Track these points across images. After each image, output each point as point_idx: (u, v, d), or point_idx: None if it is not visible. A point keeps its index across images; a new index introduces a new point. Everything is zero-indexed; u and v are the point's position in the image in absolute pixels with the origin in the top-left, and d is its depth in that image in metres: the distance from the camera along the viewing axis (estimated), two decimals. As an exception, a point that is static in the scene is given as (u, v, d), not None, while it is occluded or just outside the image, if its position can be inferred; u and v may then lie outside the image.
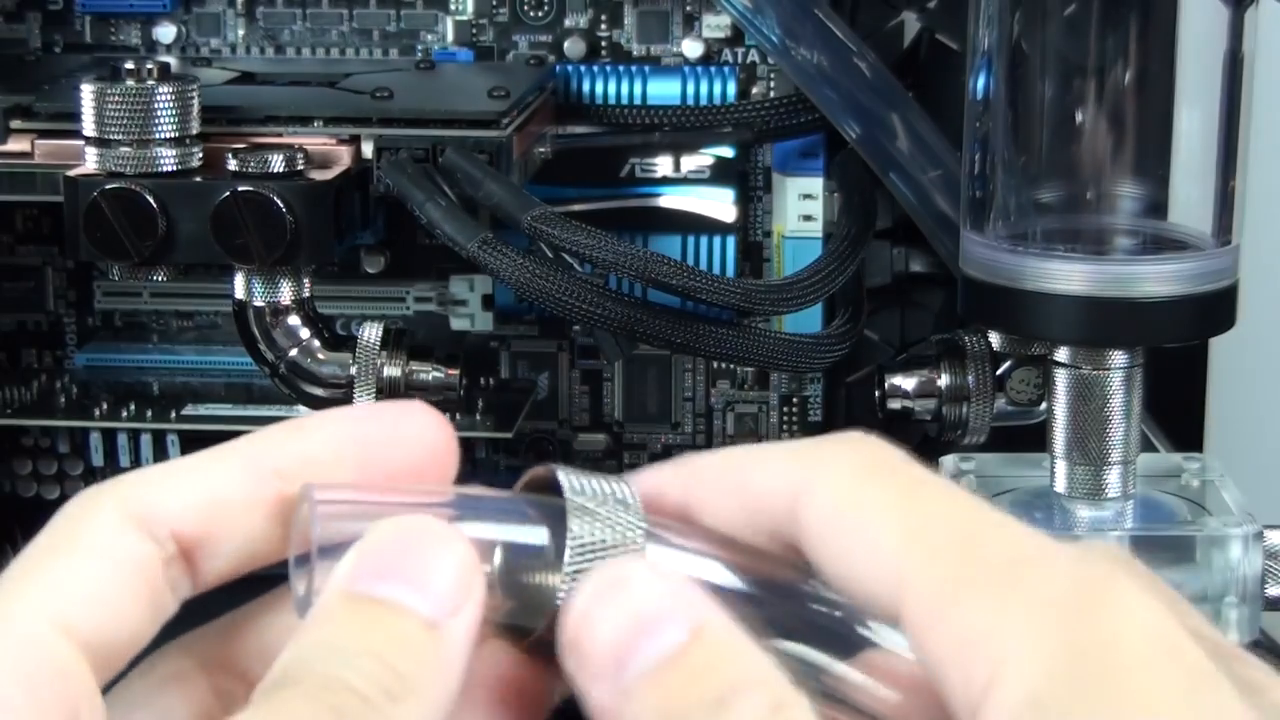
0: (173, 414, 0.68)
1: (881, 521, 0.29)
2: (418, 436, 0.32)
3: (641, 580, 0.30)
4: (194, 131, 0.57)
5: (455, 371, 0.61)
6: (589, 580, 0.30)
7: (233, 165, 0.57)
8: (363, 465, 0.32)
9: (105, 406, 0.68)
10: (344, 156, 0.59)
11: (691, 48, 0.70)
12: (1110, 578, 0.28)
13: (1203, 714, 0.26)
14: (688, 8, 0.70)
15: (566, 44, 0.70)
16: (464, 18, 0.70)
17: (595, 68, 0.69)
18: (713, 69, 0.69)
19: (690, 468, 0.32)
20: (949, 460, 0.59)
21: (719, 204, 0.69)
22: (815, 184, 0.70)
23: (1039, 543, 0.29)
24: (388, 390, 0.60)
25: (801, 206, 0.70)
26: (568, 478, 0.31)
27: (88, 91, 0.56)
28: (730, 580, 0.31)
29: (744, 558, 0.31)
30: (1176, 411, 0.66)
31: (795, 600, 0.31)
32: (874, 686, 0.30)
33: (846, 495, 0.30)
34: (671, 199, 0.69)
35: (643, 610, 0.29)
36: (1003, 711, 0.27)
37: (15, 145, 0.59)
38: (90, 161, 0.57)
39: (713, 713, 0.28)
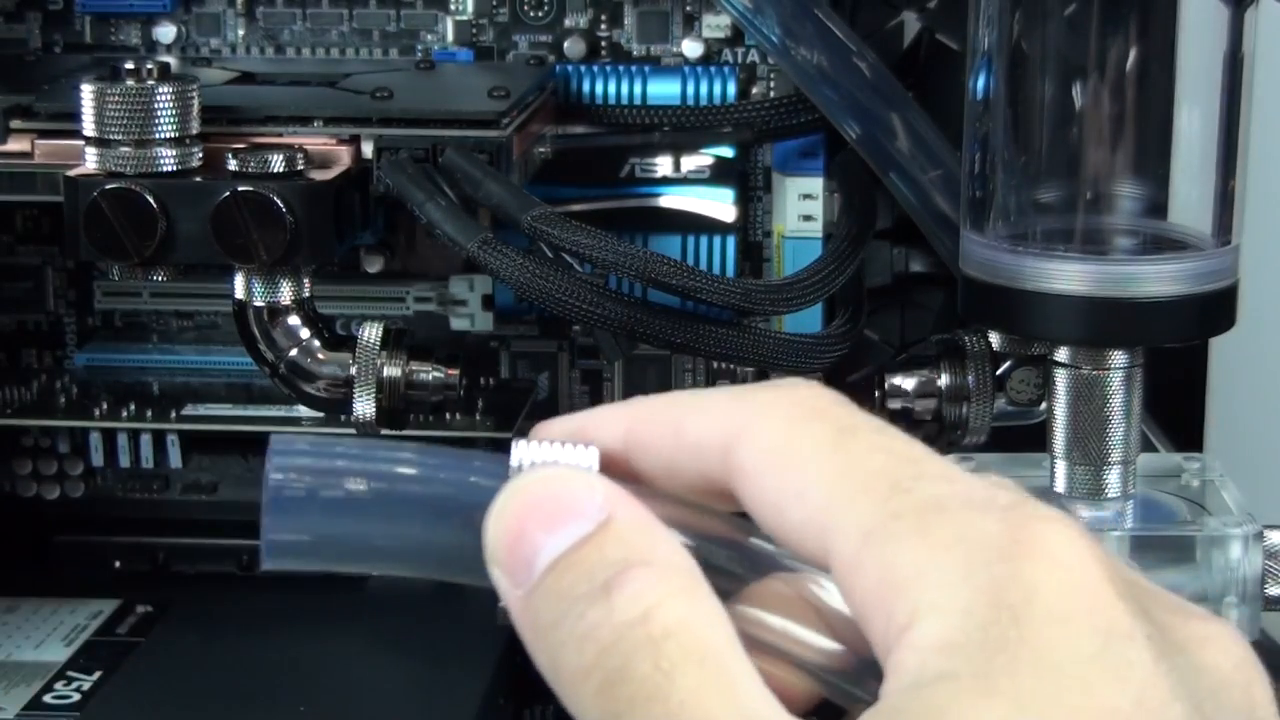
0: (173, 414, 0.68)
1: (811, 466, 0.29)
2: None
3: (548, 478, 0.30)
4: (194, 131, 0.57)
5: (455, 371, 0.61)
6: (505, 487, 0.30)
7: (233, 165, 0.57)
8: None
9: (105, 406, 0.68)
10: (344, 156, 0.59)
11: (691, 48, 0.70)
12: (1037, 524, 0.28)
13: (1110, 671, 0.26)
14: (688, 8, 0.70)
15: (566, 44, 0.70)
16: (464, 18, 0.70)
17: (595, 68, 0.69)
18: (712, 69, 0.69)
19: (633, 410, 0.32)
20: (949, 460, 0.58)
21: (719, 204, 0.69)
22: (815, 184, 0.70)
23: (969, 487, 0.29)
24: (387, 390, 0.60)
25: (801, 206, 0.70)
26: (524, 446, 0.31)
27: (88, 91, 0.56)
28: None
29: (684, 513, 0.31)
30: (1176, 411, 0.66)
31: (731, 551, 0.31)
32: (806, 635, 0.30)
33: (779, 440, 0.30)
34: (671, 199, 0.69)
35: (549, 506, 0.29)
36: (913, 652, 0.27)
37: (15, 145, 0.59)
38: (90, 161, 0.57)
39: (601, 593, 0.28)
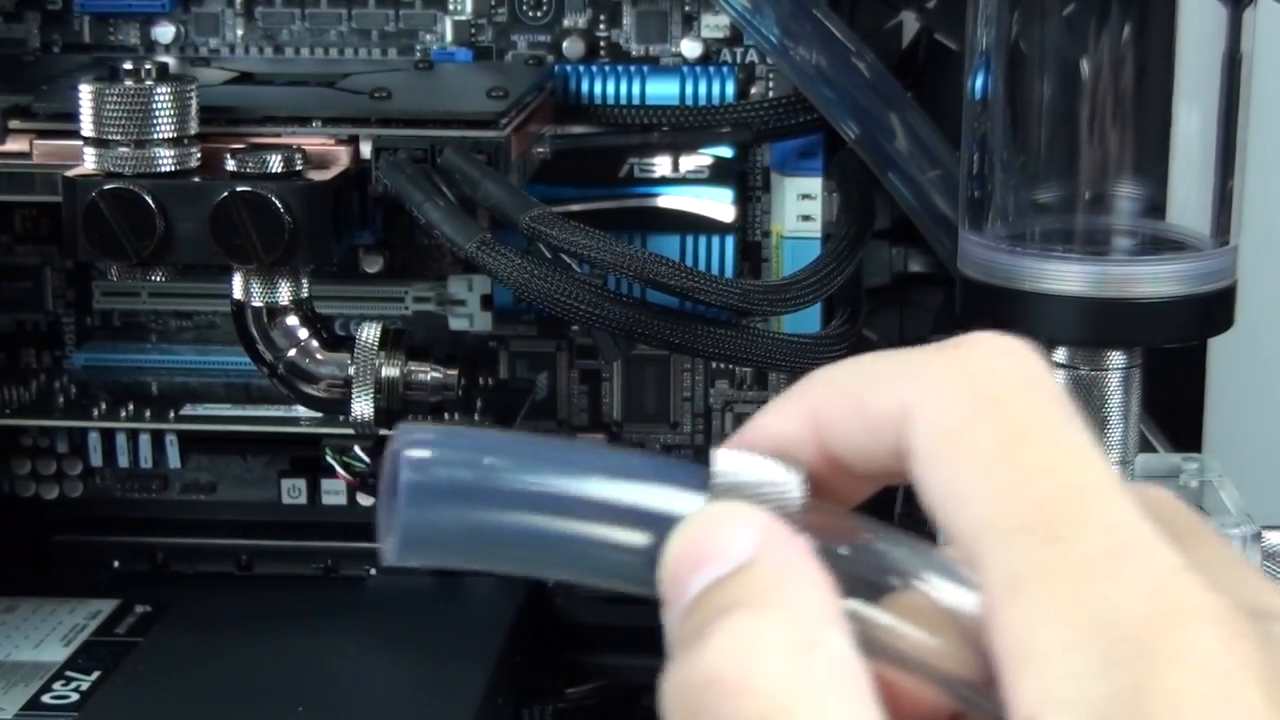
0: (171, 414, 0.68)
1: (975, 475, 0.27)
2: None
3: (708, 517, 0.29)
4: (192, 132, 0.57)
5: (454, 371, 0.61)
6: (678, 526, 0.28)
7: (231, 165, 0.57)
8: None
9: (104, 406, 0.68)
10: (342, 157, 0.59)
11: (690, 48, 0.70)
12: (1189, 619, 0.25)
13: None
14: (686, 8, 0.70)
15: (565, 44, 0.70)
16: (463, 18, 0.70)
17: (594, 68, 0.69)
18: (711, 69, 0.69)
19: (815, 393, 0.30)
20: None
21: (718, 204, 0.69)
22: (814, 184, 0.70)
23: (1126, 542, 0.26)
24: (386, 390, 0.60)
25: (800, 206, 0.70)
26: (728, 459, 0.30)
27: (86, 92, 0.56)
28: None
29: (846, 524, 0.30)
30: (1175, 411, 0.66)
31: (882, 565, 0.29)
32: (942, 648, 0.29)
33: (947, 432, 0.28)
34: (670, 199, 0.69)
35: (700, 547, 0.28)
36: None
37: (14, 145, 0.59)
38: (89, 162, 0.57)
39: (695, 637, 0.27)
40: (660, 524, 0.29)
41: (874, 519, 0.30)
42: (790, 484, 0.29)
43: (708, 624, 0.27)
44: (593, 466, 0.29)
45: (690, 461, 0.30)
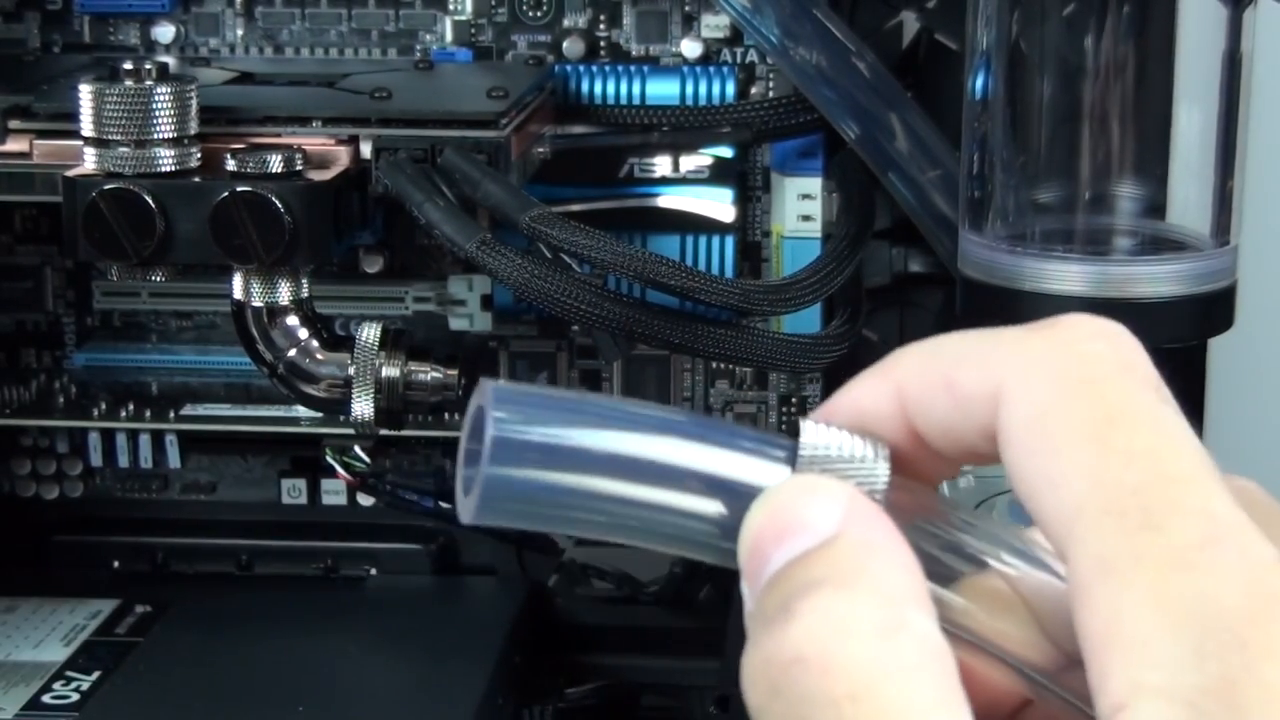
0: (171, 414, 0.68)
1: (1067, 457, 0.27)
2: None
3: (795, 489, 0.28)
4: (192, 132, 0.57)
5: (454, 371, 0.61)
6: (760, 496, 0.28)
7: (231, 165, 0.57)
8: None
9: (104, 406, 0.68)
10: (342, 157, 0.59)
11: (690, 48, 0.70)
12: None
13: None
14: (687, 8, 0.70)
15: (565, 44, 0.70)
16: (463, 18, 0.70)
17: (594, 68, 0.69)
18: (711, 69, 0.69)
19: (900, 369, 0.30)
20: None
21: (718, 204, 0.69)
22: (814, 184, 0.69)
23: (1224, 531, 0.26)
24: (386, 391, 0.60)
25: (800, 206, 0.70)
26: (814, 432, 0.29)
27: (86, 92, 0.56)
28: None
29: (930, 503, 0.30)
30: (1175, 411, 0.66)
31: (964, 547, 0.29)
32: (1016, 633, 0.29)
33: (1039, 412, 0.27)
34: (670, 199, 0.69)
35: (785, 519, 0.28)
36: None
37: (14, 145, 0.59)
38: (89, 162, 0.57)
39: (781, 613, 0.26)
40: (743, 494, 0.29)
41: (955, 500, 0.30)
42: (875, 460, 0.29)
43: (793, 600, 0.26)
44: (678, 432, 0.29)
45: (776, 433, 0.30)
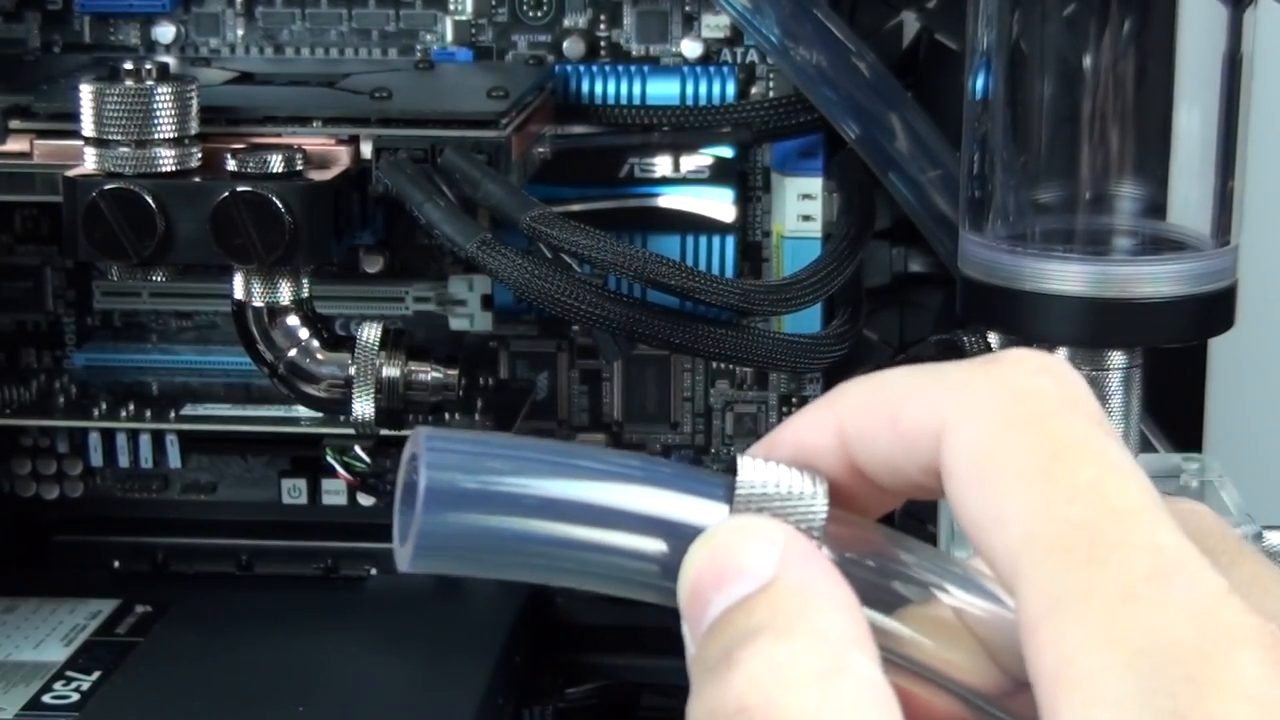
0: (171, 414, 0.68)
1: (1013, 493, 0.26)
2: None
3: (731, 531, 0.28)
4: (193, 132, 0.57)
5: (454, 372, 0.61)
6: (698, 539, 0.28)
7: (231, 165, 0.57)
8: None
9: (104, 406, 0.68)
10: (343, 157, 0.59)
11: (691, 48, 0.70)
12: (1232, 646, 0.25)
13: None
14: (687, 8, 0.70)
15: (565, 44, 0.70)
16: (463, 18, 0.70)
17: (594, 68, 0.69)
18: (712, 69, 0.69)
19: (843, 404, 0.30)
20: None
21: (718, 204, 0.69)
22: (814, 184, 0.70)
23: (1171, 564, 0.26)
24: (386, 391, 0.60)
25: (800, 206, 0.70)
26: (751, 469, 0.29)
27: (86, 92, 0.56)
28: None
29: (870, 536, 0.29)
30: (1176, 411, 0.66)
31: (908, 578, 0.29)
32: (964, 661, 0.28)
33: (984, 448, 0.27)
34: (670, 199, 0.69)
35: (722, 563, 0.28)
36: None
37: (14, 145, 0.59)
38: (89, 162, 0.57)
39: (723, 664, 0.26)
40: (682, 534, 0.29)
41: (896, 530, 0.30)
42: (814, 495, 0.29)
43: (734, 649, 0.26)
44: (614, 473, 0.29)
45: (715, 471, 0.30)
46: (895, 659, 0.28)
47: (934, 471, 0.28)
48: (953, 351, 0.60)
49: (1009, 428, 0.27)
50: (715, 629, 0.27)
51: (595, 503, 0.28)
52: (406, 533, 0.28)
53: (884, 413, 0.29)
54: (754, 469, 0.29)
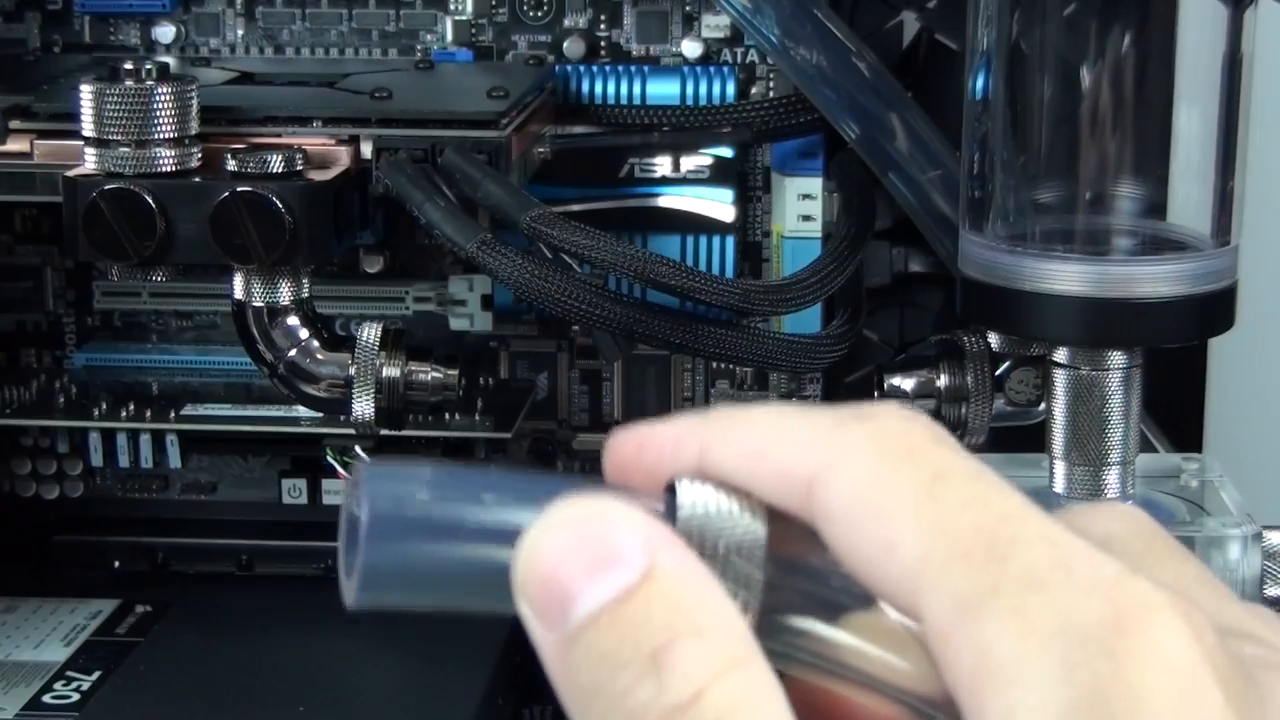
0: (172, 414, 0.68)
1: (901, 517, 0.27)
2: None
3: (590, 512, 0.27)
4: (193, 132, 0.57)
5: (454, 372, 0.61)
6: (544, 512, 0.27)
7: (232, 165, 0.57)
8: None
9: (104, 406, 0.68)
10: (343, 157, 0.59)
11: (691, 48, 0.70)
12: (1143, 613, 0.25)
13: None
14: (687, 8, 0.70)
15: (566, 44, 0.70)
16: (463, 18, 0.70)
17: (594, 68, 0.69)
18: (712, 69, 0.69)
19: (711, 427, 0.30)
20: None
21: (718, 204, 0.69)
22: (814, 184, 0.70)
23: (1070, 553, 0.26)
24: (386, 391, 0.60)
25: (800, 207, 0.70)
26: (690, 490, 0.29)
27: (87, 92, 0.56)
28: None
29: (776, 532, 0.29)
30: (1176, 412, 0.66)
31: (820, 580, 0.29)
32: (893, 662, 0.29)
33: (865, 484, 0.27)
34: (670, 199, 0.69)
35: (591, 546, 0.27)
36: None
37: (14, 145, 0.59)
38: (89, 162, 0.57)
39: (649, 668, 0.26)
40: None
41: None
42: (754, 512, 0.29)
43: (660, 652, 0.26)
44: (557, 496, 0.28)
45: (657, 494, 0.29)
46: (839, 666, 0.29)
47: (795, 512, 0.28)
48: (953, 351, 0.60)
49: (886, 461, 0.28)
50: (606, 626, 0.26)
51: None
52: (352, 568, 0.28)
53: (750, 446, 0.29)
54: (692, 490, 0.29)
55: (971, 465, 0.28)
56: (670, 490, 0.29)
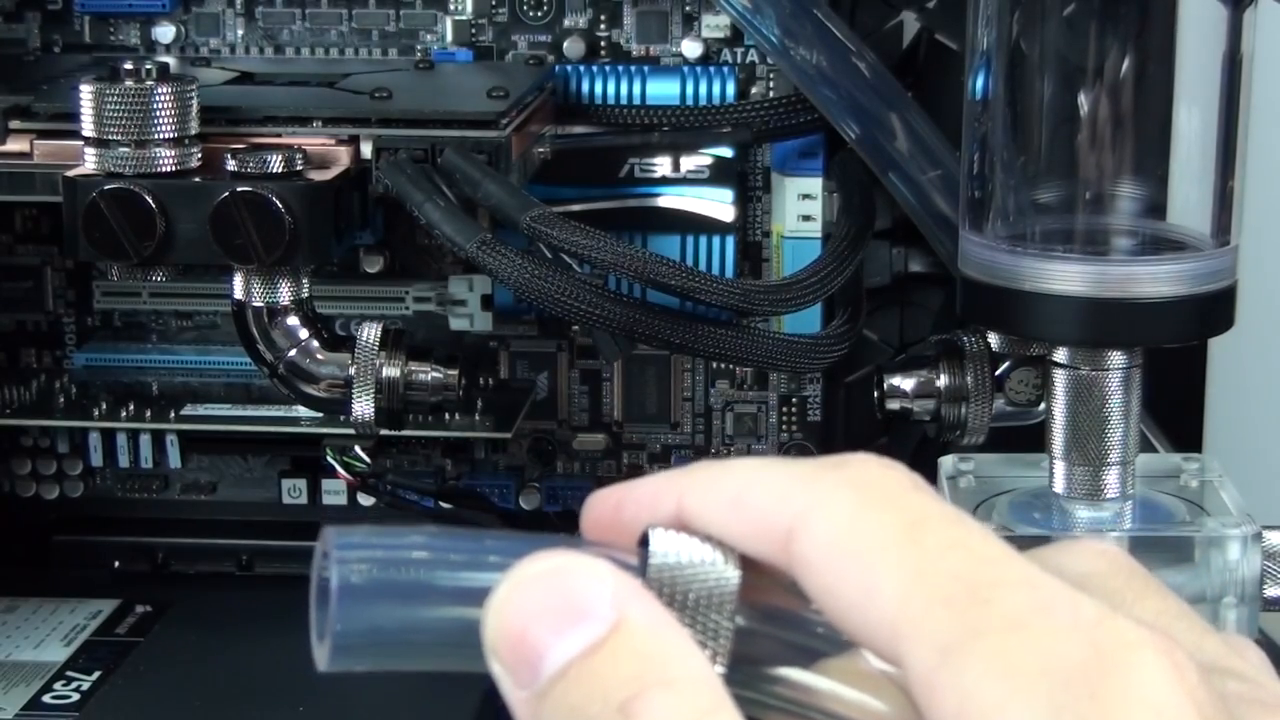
0: (172, 414, 0.68)
1: (881, 562, 0.27)
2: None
3: (556, 568, 0.27)
4: (193, 132, 0.57)
5: (454, 372, 0.61)
6: (511, 570, 0.27)
7: (232, 165, 0.57)
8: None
9: (104, 406, 0.68)
10: (343, 157, 0.59)
11: (691, 48, 0.70)
12: (1125, 654, 0.25)
13: None
14: (687, 8, 0.70)
15: (566, 44, 0.70)
16: (463, 18, 0.70)
17: (594, 68, 0.69)
18: (712, 69, 0.69)
19: (688, 478, 0.30)
20: (947, 461, 0.58)
21: (718, 204, 0.69)
22: (814, 184, 0.70)
23: (1051, 596, 0.26)
24: (386, 391, 0.60)
25: (800, 207, 0.70)
26: (663, 539, 0.29)
27: (87, 92, 0.56)
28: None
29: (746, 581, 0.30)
30: (1176, 411, 0.66)
31: (792, 628, 0.29)
32: (869, 706, 0.29)
33: (843, 531, 0.28)
34: (670, 199, 0.69)
35: (556, 602, 0.27)
36: None
37: (14, 145, 0.59)
38: (89, 162, 0.57)
39: (668, 714, 0.26)
40: None
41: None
42: (726, 561, 0.29)
43: (629, 704, 0.26)
44: (524, 554, 0.28)
45: (631, 549, 0.29)
46: (818, 712, 0.28)
47: (772, 559, 0.28)
48: (953, 351, 0.60)
49: (865, 508, 0.28)
50: (575, 680, 0.27)
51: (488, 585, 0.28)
52: (323, 632, 0.28)
53: (729, 493, 0.29)
54: (665, 540, 0.29)
55: (949, 510, 0.28)
56: (644, 542, 0.29)
